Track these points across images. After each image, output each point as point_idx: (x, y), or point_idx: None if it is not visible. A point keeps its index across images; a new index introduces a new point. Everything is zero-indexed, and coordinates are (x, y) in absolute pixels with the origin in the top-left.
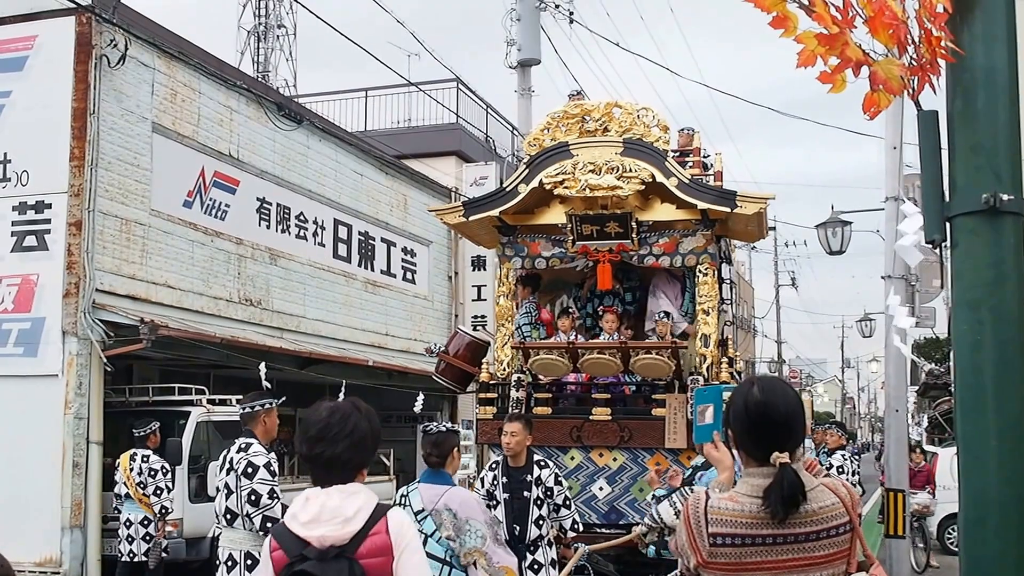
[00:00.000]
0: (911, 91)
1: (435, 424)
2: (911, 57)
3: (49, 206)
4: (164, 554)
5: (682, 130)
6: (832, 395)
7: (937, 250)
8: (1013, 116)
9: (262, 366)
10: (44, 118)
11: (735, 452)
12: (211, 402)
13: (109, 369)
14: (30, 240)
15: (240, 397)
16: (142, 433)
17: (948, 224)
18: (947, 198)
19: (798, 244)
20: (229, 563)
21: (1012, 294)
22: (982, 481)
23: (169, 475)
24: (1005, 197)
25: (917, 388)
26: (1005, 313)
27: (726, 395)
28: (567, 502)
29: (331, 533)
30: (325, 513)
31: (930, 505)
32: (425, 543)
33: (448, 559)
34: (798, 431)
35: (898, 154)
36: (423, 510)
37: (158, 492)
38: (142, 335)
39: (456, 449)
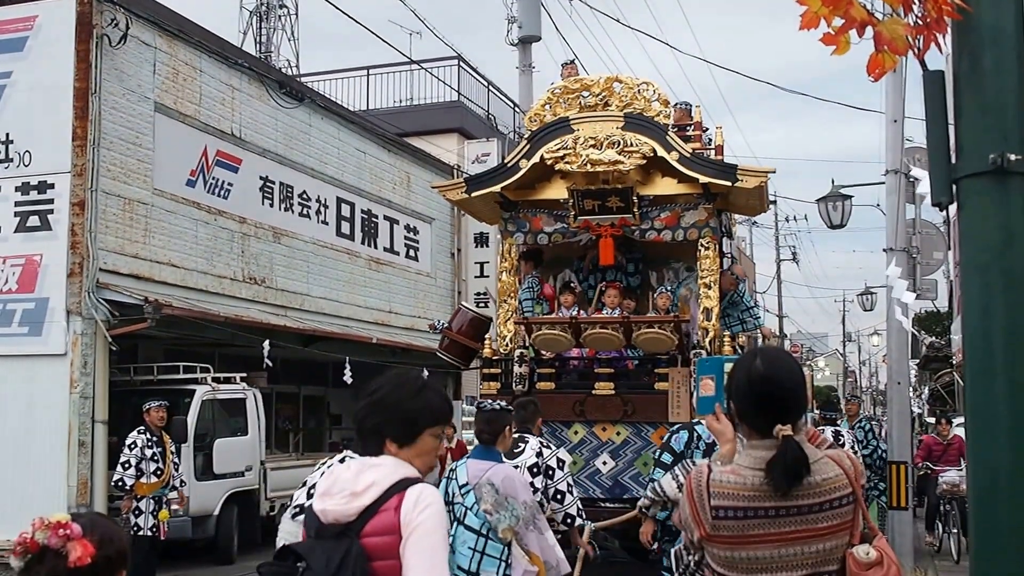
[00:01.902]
0: (916, 51)
1: (489, 402)
2: (916, 16)
3: (52, 186)
4: (135, 532)
5: (676, 104)
6: (834, 369)
7: (944, 213)
8: (1021, 75)
9: (266, 344)
10: (46, 98)
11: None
12: (216, 380)
13: (114, 348)
14: (33, 220)
15: (244, 375)
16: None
17: (955, 186)
18: (954, 160)
19: (799, 219)
20: None
21: (1021, 257)
22: (991, 449)
23: (137, 450)
24: (1013, 157)
25: (918, 361)
26: (1015, 276)
27: (728, 366)
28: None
29: (335, 508)
30: (336, 486)
31: (960, 484)
32: (465, 516)
33: (484, 532)
34: (801, 403)
35: (898, 127)
36: (467, 484)
37: (124, 465)
38: (146, 314)
39: (509, 428)
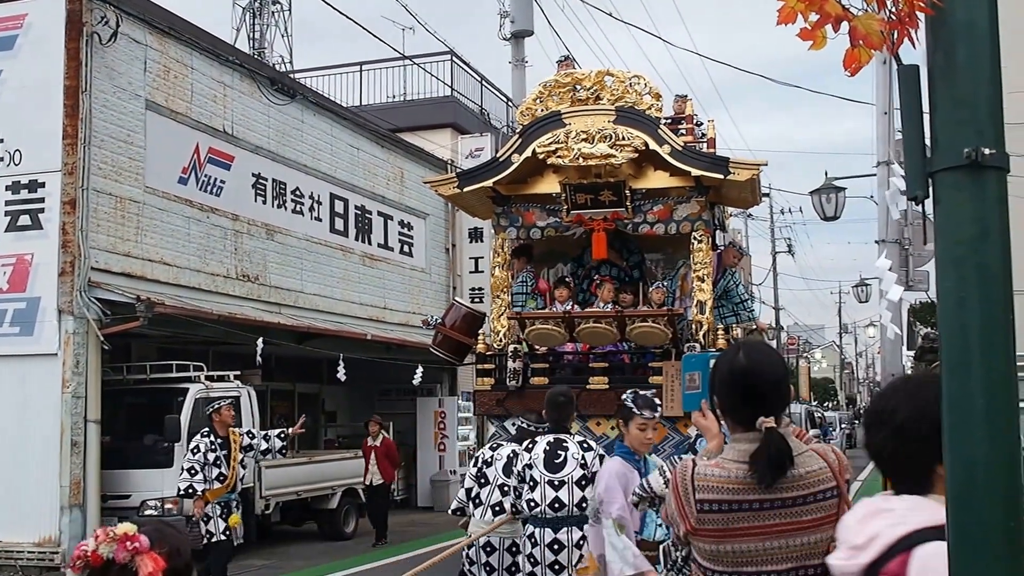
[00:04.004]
0: (890, 45)
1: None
2: (890, 11)
3: (43, 185)
4: (207, 538)
5: (678, 96)
6: (830, 361)
7: (920, 207)
8: (994, 69)
9: (260, 341)
10: (36, 97)
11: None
12: (209, 378)
13: (106, 347)
14: (24, 219)
15: (238, 373)
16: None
17: (930, 180)
18: (929, 154)
19: (793, 211)
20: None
21: (996, 250)
22: (968, 442)
23: (200, 455)
24: (987, 151)
25: (914, 352)
26: (989, 269)
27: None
28: None
29: (837, 563)
30: (840, 533)
31: None
32: None
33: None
34: (784, 395)
35: (889, 119)
36: None
37: (190, 471)
38: (139, 313)
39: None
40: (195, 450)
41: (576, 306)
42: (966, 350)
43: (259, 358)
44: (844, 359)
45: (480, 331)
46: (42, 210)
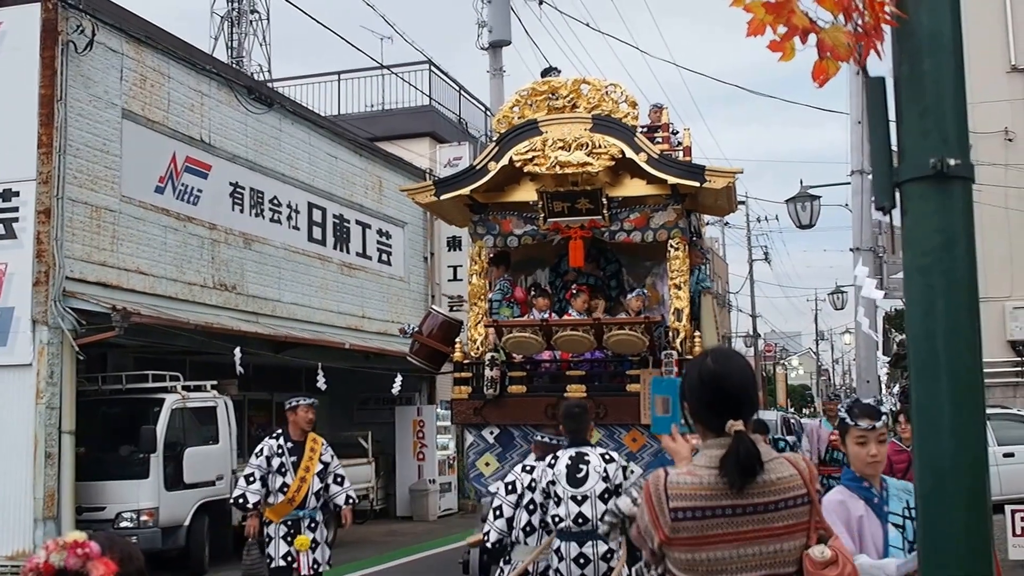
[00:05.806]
0: (857, 57)
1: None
2: (856, 23)
3: (17, 194)
4: (268, 562)
5: (654, 106)
6: (807, 368)
7: (887, 217)
8: (959, 80)
9: (237, 351)
10: (10, 105)
11: (691, 423)
12: (186, 388)
13: (81, 358)
14: None
15: (215, 383)
16: None
17: (898, 191)
18: (896, 164)
19: (770, 219)
20: None
21: (962, 259)
22: (937, 449)
23: (261, 459)
24: (952, 161)
25: (889, 359)
26: (956, 278)
27: None
28: None
29: None
30: None
31: None
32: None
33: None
34: (753, 400)
35: (863, 129)
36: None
37: (248, 478)
38: (114, 323)
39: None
40: (258, 453)
41: (553, 314)
42: (933, 357)
43: (238, 367)
44: (820, 366)
45: (457, 339)
46: (16, 219)
